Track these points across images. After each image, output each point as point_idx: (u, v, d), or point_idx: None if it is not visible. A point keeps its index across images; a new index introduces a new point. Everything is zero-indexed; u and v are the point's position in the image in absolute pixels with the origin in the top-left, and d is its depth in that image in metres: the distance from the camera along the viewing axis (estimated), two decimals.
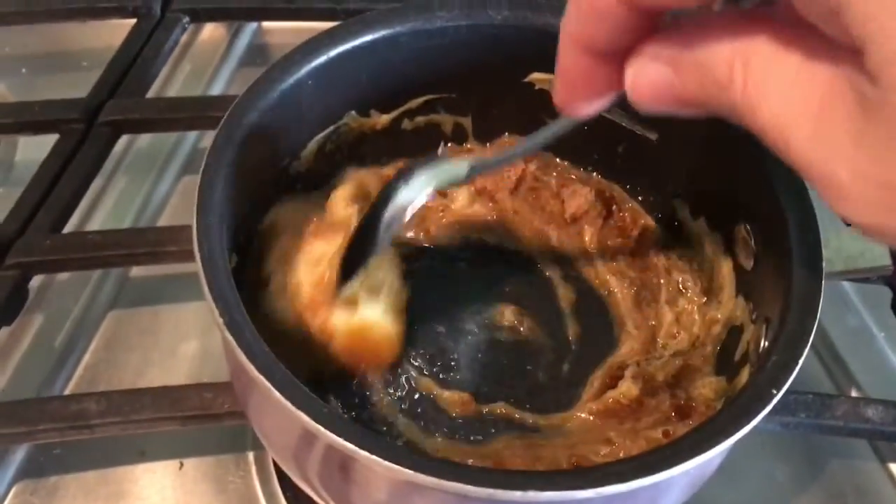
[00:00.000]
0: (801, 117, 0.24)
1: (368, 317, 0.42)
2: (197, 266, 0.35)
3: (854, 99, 0.23)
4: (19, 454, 0.49)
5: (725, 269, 0.46)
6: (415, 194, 0.39)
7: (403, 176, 0.40)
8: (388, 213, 0.39)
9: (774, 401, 0.33)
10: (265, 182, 0.45)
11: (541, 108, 0.50)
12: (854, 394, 0.55)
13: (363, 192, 0.46)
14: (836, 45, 0.23)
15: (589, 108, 0.32)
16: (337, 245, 0.42)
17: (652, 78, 0.28)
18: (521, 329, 0.48)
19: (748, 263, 0.44)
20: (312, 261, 0.44)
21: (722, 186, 0.46)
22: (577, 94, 0.32)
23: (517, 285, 0.51)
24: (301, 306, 0.43)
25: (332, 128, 0.49)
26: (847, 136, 0.23)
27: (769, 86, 0.25)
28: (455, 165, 0.39)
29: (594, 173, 0.54)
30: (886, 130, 0.22)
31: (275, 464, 0.49)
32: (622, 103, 0.47)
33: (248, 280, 0.45)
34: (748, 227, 0.44)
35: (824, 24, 0.23)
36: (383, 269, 0.44)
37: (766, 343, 0.39)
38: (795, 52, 0.24)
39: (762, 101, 0.25)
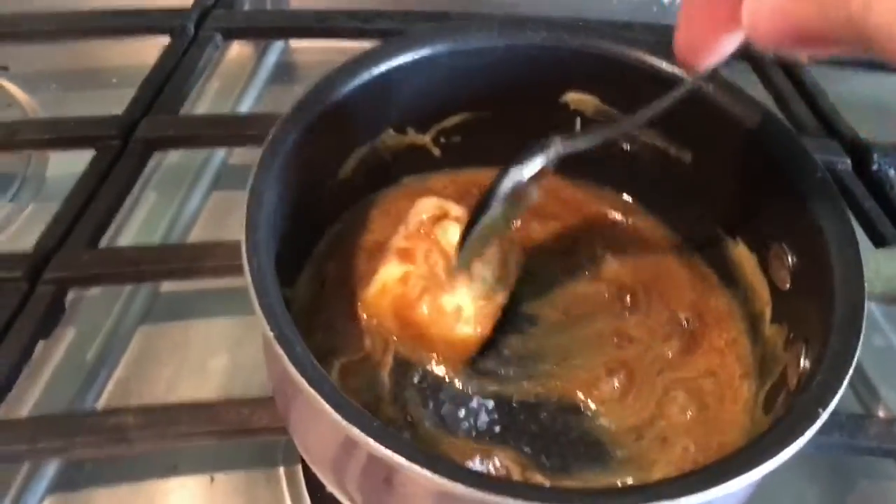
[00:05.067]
0: None
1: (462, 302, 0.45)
2: (247, 280, 0.35)
3: None
4: (52, 468, 0.49)
5: (764, 291, 0.46)
6: (527, 171, 0.42)
7: (517, 157, 0.42)
8: (503, 188, 0.42)
9: (821, 420, 0.33)
10: (305, 197, 0.46)
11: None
12: (882, 414, 0.55)
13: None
14: None
15: (711, 53, 0.33)
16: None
17: (769, 8, 0.27)
18: None
19: (784, 284, 0.45)
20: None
21: (757, 206, 0.46)
22: (699, 38, 0.33)
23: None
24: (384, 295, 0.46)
25: (369, 145, 0.50)
26: None
27: None
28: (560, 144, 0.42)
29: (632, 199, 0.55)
30: None
31: (305, 478, 0.49)
32: (655, 122, 0.49)
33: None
34: (784, 246, 0.44)
35: None
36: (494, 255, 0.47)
37: (807, 363, 0.39)
38: None
39: (872, 9, 0.24)
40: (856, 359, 0.35)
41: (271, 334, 0.34)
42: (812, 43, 0.27)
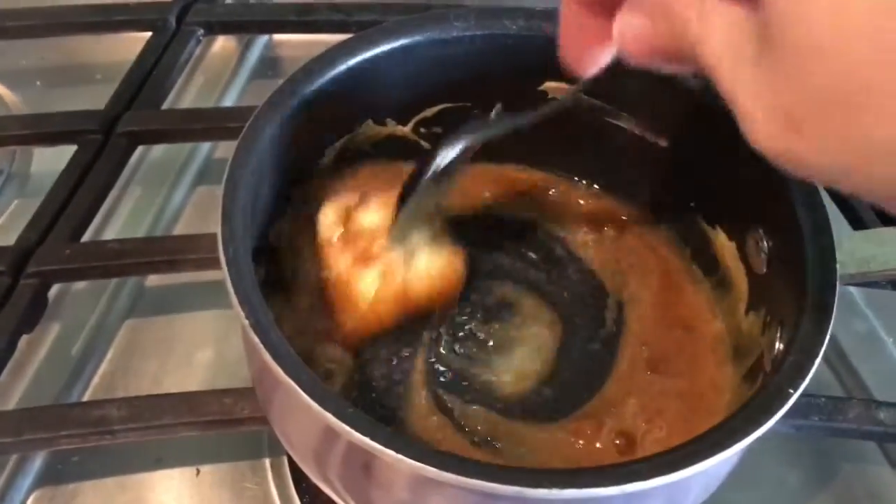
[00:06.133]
0: (726, 51, 0.26)
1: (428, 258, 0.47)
2: (223, 270, 0.36)
3: (752, 29, 0.25)
4: (38, 461, 0.49)
5: (741, 275, 0.46)
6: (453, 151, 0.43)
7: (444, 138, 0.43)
8: (431, 168, 0.43)
9: (792, 400, 0.33)
10: (285, 189, 0.46)
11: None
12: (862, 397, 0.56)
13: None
14: None
15: (591, 63, 0.35)
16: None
17: (634, 30, 0.29)
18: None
19: (760, 268, 0.45)
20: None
21: (735, 192, 0.46)
22: (579, 49, 0.35)
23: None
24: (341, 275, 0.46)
25: (347, 136, 0.50)
26: (749, 65, 0.25)
27: (713, 24, 0.26)
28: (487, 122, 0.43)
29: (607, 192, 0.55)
30: (774, 58, 0.24)
31: (291, 469, 0.49)
32: (632, 108, 0.49)
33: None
34: (761, 231, 0.44)
35: None
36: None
37: (781, 346, 0.39)
38: None
39: (706, 40, 0.26)
40: (827, 339, 0.36)
41: (247, 322, 0.34)
42: (674, 62, 0.29)
